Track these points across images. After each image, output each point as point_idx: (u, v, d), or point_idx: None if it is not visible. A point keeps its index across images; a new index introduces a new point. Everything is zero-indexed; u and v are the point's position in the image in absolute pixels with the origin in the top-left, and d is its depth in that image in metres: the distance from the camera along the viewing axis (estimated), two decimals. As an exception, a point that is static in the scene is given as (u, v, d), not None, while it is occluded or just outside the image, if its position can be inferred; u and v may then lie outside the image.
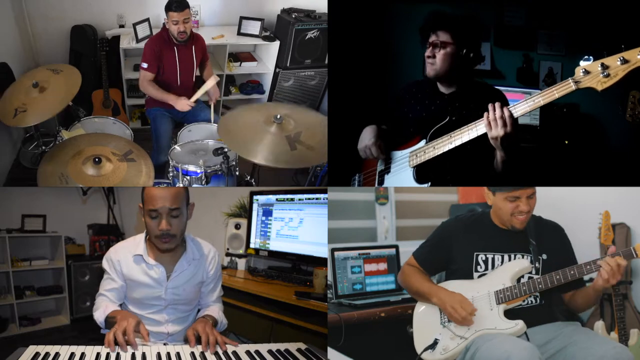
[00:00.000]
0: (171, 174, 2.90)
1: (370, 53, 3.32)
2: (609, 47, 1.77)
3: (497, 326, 1.94)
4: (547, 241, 2.08)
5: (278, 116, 2.50)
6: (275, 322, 2.62)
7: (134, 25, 3.90)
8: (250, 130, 2.51)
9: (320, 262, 2.76)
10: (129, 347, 1.67)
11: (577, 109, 3.17)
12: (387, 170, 2.29)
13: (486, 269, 2.07)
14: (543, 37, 3.24)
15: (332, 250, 2.72)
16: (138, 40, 3.88)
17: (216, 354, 1.75)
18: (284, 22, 4.24)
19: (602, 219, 2.41)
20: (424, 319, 2.11)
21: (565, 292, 2.07)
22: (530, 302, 2.03)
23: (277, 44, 4.31)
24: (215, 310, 2.07)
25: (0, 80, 3.20)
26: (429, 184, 2.16)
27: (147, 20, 3.95)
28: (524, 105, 1.88)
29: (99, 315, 1.87)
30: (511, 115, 1.88)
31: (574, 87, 1.77)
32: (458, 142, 2.03)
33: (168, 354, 1.71)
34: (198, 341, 1.80)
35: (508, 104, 2.00)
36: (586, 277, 2.01)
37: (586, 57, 1.77)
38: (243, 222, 3.37)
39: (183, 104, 3.28)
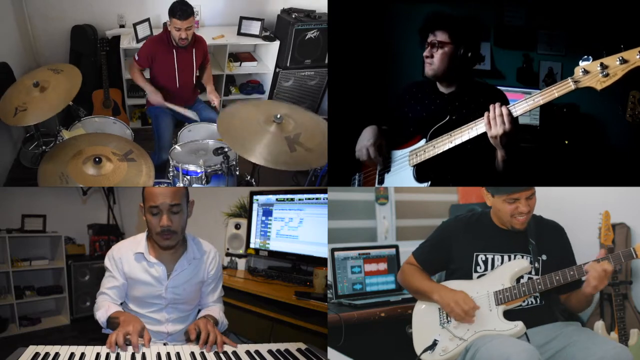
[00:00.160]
0: (171, 174, 2.90)
1: (370, 53, 3.32)
2: (609, 47, 1.77)
3: (497, 327, 1.94)
4: (547, 241, 2.08)
5: (278, 116, 2.50)
6: (275, 322, 2.62)
7: (134, 25, 3.90)
8: (250, 129, 2.50)
9: (320, 262, 2.76)
10: (129, 347, 1.67)
11: (577, 109, 3.17)
12: (387, 169, 2.29)
13: (486, 269, 2.07)
14: (543, 37, 3.24)
15: (332, 250, 2.72)
16: (138, 40, 3.88)
17: (216, 353, 1.75)
18: (284, 22, 4.24)
19: (602, 219, 2.41)
20: (423, 319, 2.11)
21: (562, 293, 2.07)
22: (530, 302, 2.02)
23: (277, 44, 4.31)
24: (216, 310, 2.07)
25: (1, 80, 3.20)
26: (429, 183, 2.16)
27: (148, 20, 3.96)
28: (524, 104, 1.88)
29: (101, 316, 1.87)
30: (510, 113, 1.89)
31: (573, 87, 1.78)
32: (458, 141, 2.03)
33: (168, 354, 1.71)
34: (198, 338, 1.80)
35: (508, 103, 2.01)
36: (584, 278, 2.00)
37: (585, 57, 1.77)
38: (243, 222, 3.37)
39: (155, 99, 3.35)
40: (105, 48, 3.87)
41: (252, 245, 3.28)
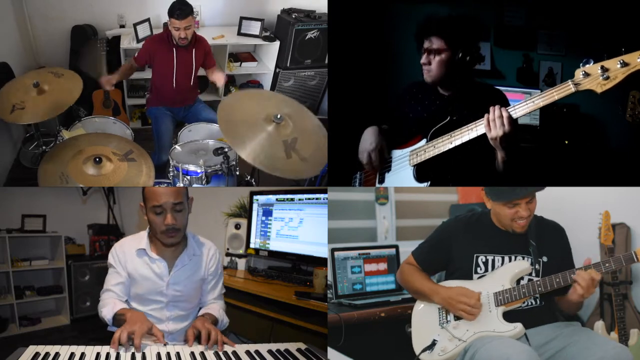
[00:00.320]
0: (171, 174, 2.90)
1: (370, 53, 3.32)
2: (609, 47, 1.78)
3: (496, 328, 1.94)
4: (547, 242, 2.07)
5: (278, 116, 2.48)
6: (275, 322, 2.62)
7: (135, 25, 3.90)
8: (249, 125, 2.44)
9: (320, 262, 2.76)
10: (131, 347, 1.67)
11: (577, 109, 3.17)
12: (387, 168, 2.29)
13: (486, 270, 2.06)
14: (543, 37, 3.24)
15: (332, 250, 2.72)
16: (138, 41, 3.89)
17: (216, 353, 1.75)
18: (284, 22, 4.25)
19: (602, 219, 2.41)
20: (423, 319, 2.11)
21: (557, 295, 2.06)
22: (530, 303, 2.02)
23: (277, 44, 4.31)
24: (216, 308, 2.08)
25: (1, 80, 3.20)
26: (429, 183, 2.16)
27: (148, 20, 3.96)
28: (524, 106, 1.89)
29: (107, 313, 1.87)
30: (510, 116, 1.89)
31: (573, 90, 1.78)
32: (458, 142, 2.04)
33: (168, 354, 1.71)
34: (198, 340, 1.81)
35: (508, 103, 2.01)
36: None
37: (586, 59, 1.78)
38: (243, 222, 3.37)
39: (105, 82, 3.38)
40: (106, 48, 3.87)
41: (252, 245, 3.28)
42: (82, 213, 4.54)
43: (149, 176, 2.38)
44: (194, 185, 2.81)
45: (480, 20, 2.26)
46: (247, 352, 1.77)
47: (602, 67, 1.74)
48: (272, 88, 4.47)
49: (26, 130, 3.80)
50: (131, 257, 1.99)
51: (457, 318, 2.02)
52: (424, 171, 2.17)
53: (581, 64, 1.78)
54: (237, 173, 2.98)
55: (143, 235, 2.03)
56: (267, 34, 4.33)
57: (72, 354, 1.61)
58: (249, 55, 4.58)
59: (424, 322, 2.09)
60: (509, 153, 1.97)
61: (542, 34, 3.24)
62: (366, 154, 2.26)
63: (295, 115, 2.57)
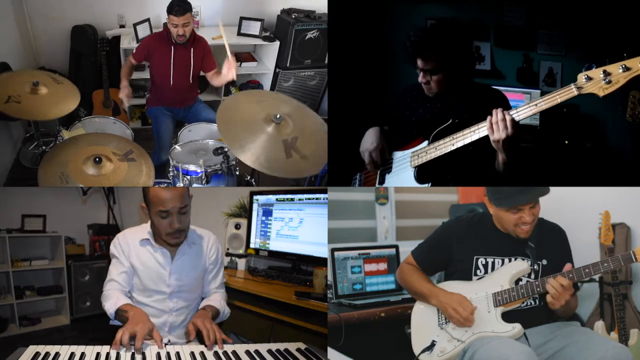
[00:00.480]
0: (171, 174, 2.90)
1: (370, 53, 3.32)
2: (609, 48, 1.79)
3: (495, 329, 1.94)
4: (548, 245, 2.06)
5: (278, 116, 2.48)
6: (275, 322, 2.62)
7: (135, 25, 3.90)
8: (249, 127, 2.45)
9: (320, 262, 2.76)
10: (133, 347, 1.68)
11: (577, 109, 3.17)
12: (388, 169, 2.29)
13: (485, 272, 2.06)
14: (543, 37, 3.24)
15: (332, 250, 2.72)
16: (138, 41, 3.89)
17: (216, 353, 1.75)
18: (283, 22, 4.25)
19: (602, 219, 2.41)
20: (422, 320, 2.11)
21: None
22: (529, 303, 2.02)
23: (277, 44, 4.31)
24: (217, 299, 2.10)
25: (1, 80, 3.20)
26: (430, 184, 2.16)
27: (148, 20, 3.96)
28: (526, 109, 1.90)
29: (110, 307, 1.89)
30: (513, 119, 1.90)
31: (576, 93, 1.81)
32: (460, 144, 2.05)
33: (168, 354, 1.71)
34: (198, 335, 1.82)
35: (509, 104, 2.01)
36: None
37: (588, 64, 1.80)
38: (243, 222, 3.37)
39: (122, 95, 3.31)
40: (106, 48, 3.87)
41: (252, 245, 3.28)
42: (82, 213, 4.54)
43: (149, 176, 2.38)
44: (194, 185, 2.81)
45: (470, 21, 2.26)
46: (247, 352, 1.77)
47: (604, 71, 1.76)
48: (272, 88, 4.47)
49: (26, 130, 3.80)
50: (135, 247, 2.03)
51: (455, 319, 2.02)
52: (425, 172, 2.17)
53: (583, 69, 1.80)
54: (237, 173, 2.98)
55: (145, 227, 2.08)
56: (267, 34, 4.33)
57: (72, 354, 1.61)
58: (248, 56, 4.58)
59: (423, 323, 2.09)
60: (509, 155, 1.98)
61: (542, 34, 3.24)
62: (367, 154, 2.27)
63: (295, 114, 2.57)
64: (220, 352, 1.77)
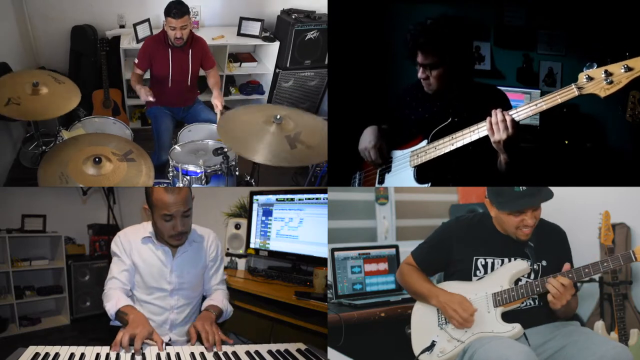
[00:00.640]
0: (171, 174, 2.90)
1: (370, 53, 3.32)
2: (610, 48, 1.78)
3: (495, 329, 1.94)
4: (548, 246, 2.06)
5: (278, 116, 2.50)
6: (275, 322, 2.62)
7: (134, 25, 3.90)
8: (250, 130, 2.51)
9: (320, 262, 2.76)
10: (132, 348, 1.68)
11: (577, 109, 3.17)
12: (387, 169, 2.29)
13: (485, 273, 2.06)
14: (543, 37, 3.23)
15: (332, 250, 2.72)
16: (138, 41, 3.88)
17: (216, 354, 1.75)
18: (283, 22, 4.24)
19: (602, 219, 2.41)
20: (422, 320, 2.11)
21: None
22: (528, 304, 2.02)
23: (277, 44, 4.31)
24: (220, 298, 2.12)
25: (0, 81, 3.20)
26: (429, 184, 2.16)
27: (148, 20, 3.96)
28: (527, 109, 1.89)
29: (111, 307, 1.89)
30: (513, 119, 1.89)
31: (577, 93, 1.79)
32: (459, 144, 2.04)
33: (168, 354, 1.71)
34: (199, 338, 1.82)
35: (510, 103, 2.01)
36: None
37: (589, 63, 1.77)
38: (243, 222, 3.37)
39: (144, 95, 3.30)
40: (105, 48, 3.87)
41: (252, 245, 3.28)
42: (82, 213, 4.54)
43: (148, 176, 2.38)
44: (194, 185, 2.82)
45: (470, 20, 2.25)
46: (247, 353, 1.78)
47: (605, 71, 1.73)
48: (272, 89, 4.47)
49: (26, 131, 3.80)
50: (136, 244, 2.05)
51: (455, 319, 2.02)
52: (425, 172, 2.17)
53: (585, 68, 1.77)
54: (237, 173, 2.99)
55: (146, 225, 2.09)
56: (267, 34, 4.33)
57: (72, 354, 1.62)
58: (248, 56, 4.58)
59: (423, 323, 2.09)
60: (511, 155, 1.97)
61: (542, 34, 3.24)
62: (366, 152, 2.27)
63: (293, 115, 2.60)
64: (220, 352, 1.76)
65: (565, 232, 2.14)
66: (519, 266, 2.02)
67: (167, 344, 1.80)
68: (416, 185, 2.18)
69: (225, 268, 3.31)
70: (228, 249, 3.38)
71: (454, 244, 2.12)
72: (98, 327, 3.97)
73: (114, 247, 2.07)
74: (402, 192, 3.32)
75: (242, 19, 4.28)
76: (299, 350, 1.84)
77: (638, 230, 2.56)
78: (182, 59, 3.38)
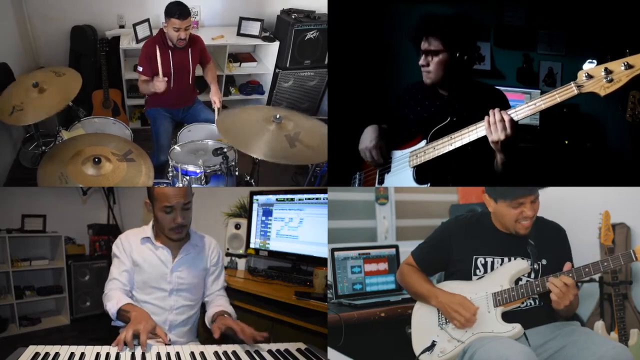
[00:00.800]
0: (171, 174, 2.90)
1: (370, 53, 3.32)
2: (610, 48, 1.76)
3: (495, 329, 1.94)
4: (547, 244, 2.06)
5: (277, 116, 2.50)
6: (275, 322, 2.61)
7: (134, 25, 3.90)
8: (250, 127, 2.50)
9: (320, 262, 2.76)
10: (131, 346, 1.67)
11: (577, 109, 3.17)
12: (387, 169, 2.29)
13: (485, 272, 2.06)
14: (543, 37, 3.24)
15: (332, 250, 2.72)
16: (138, 41, 3.88)
17: (216, 353, 1.75)
18: (283, 22, 4.24)
19: (602, 219, 2.41)
20: (422, 320, 2.11)
21: None
22: (529, 304, 2.02)
23: (276, 44, 4.31)
24: (226, 303, 2.14)
25: (0, 81, 3.20)
26: (429, 184, 2.16)
27: (147, 20, 3.96)
28: (525, 109, 1.87)
29: (112, 307, 1.89)
30: (511, 119, 1.88)
31: (576, 92, 1.75)
32: (458, 144, 2.03)
33: (168, 354, 1.71)
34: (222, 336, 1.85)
35: (509, 103, 2.00)
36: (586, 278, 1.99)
37: (590, 60, 1.73)
38: (243, 222, 3.37)
39: (158, 85, 3.24)
40: (105, 48, 3.87)
41: (252, 245, 3.28)
42: (82, 213, 4.54)
43: (148, 176, 2.38)
44: (194, 186, 2.81)
45: (476, 20, 2.26)
46: (247, 352, 1.77)
47: (605, 69, 1.70)
48: (272, 88, 4.47)
49: (26, 131, 3.80)
50: (136, 245, 2.08)
51: (455, 319, 2.02)
52: (424, 172, 2.17)
53: (584, 65, 1.74)
54: (237, 173, 2.98)
55: (147, 227, 2.12)
56: (267, 34, 4.33)
57: (72, 354, 1.61)
58: (248, 56, 4.58)
59: (424, 323, 2.09)
60: (508, 155, 1.97)
61: (542, 34, 3.24)
62: (367, 152, 2.27)
63: (292, 117, 2.61)
64: (220, 352, 1.77)
65: (565, 230, 2.14)
66: (519, 266, 2.02)
67: (166, 344, 1.80)
68: (416, 185, 2.18)
69: (225, 268, 3.31)
70: (228, 249, 3.38)
71: (454, 244, 2.12)
72: (98, 327, 3.97)
73: (114, 249, 2.09)
74: (402, 192, 3.32)
75: (241, 18, 4.28)
76: (299, 350, 1.84)
77: (638, 230, 2.56)
78: (183, 59, 3.38)
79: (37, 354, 1.59)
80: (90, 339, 3.77)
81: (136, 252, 2.07)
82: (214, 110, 3.40)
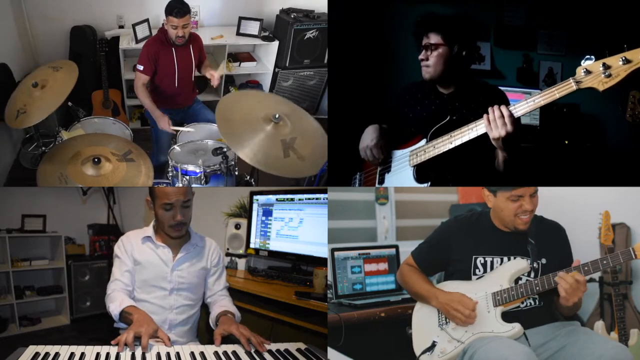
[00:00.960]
0: (170, 174, 2.90)
1: (370, 53, 3.32)
2: (610, 46, 1.76)
3: (495, 329, 1.94)
4: (547, 243, 2.06)
5: (277, 115, 2.48)
6: (275, 322, 2.61)
7: (134, 25, 3.90)
8: (247, 124, 2.45)
9: (320, 262, 2.76)
10: (129, 346, 1.67)
11: (577, 109, 3.17)
12: (387, 168, 2.29)
13: (484, 271, 2.06)
14: (543, 37, 3.24)
15: (332, 250, 2.72)
16: (137, 41, 3.88)
17: (216, 353, 1.75)
18: (283, 22, 4.24)
19: (602, 219, 2.41)
20: (422, 320, 2.11)
21: (557, 296, 2.05)
22: (529, 304, 2.02)
23: (276, 44, 4.31)
24: (229, 304, 2.14)
25: (0, 81, 3.20)
26: (429, 183, 2.16)
27: (147, 20, 3.95)
28: (525, 105, 1.87)
29: (114, 309, 1.90)
30: (511, 114, 1.88)
31: (575, 87, 1.76)
32: (458, 142, 2.03)
33: (168, 354, 1.71)
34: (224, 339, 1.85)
35: (508, 102, 2.00)
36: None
37: (588, 56, 1.74)
38: (243, 222, 3.37)
39: (164, 124, 3.21)
40: (105, 49, 3.87)
41: (252, 245, 3.28)
42: (82, 213, 4.54)
43: (148, 176, 2.38)
44: (193, 185, 2.81)
45: (476, 19, 2.26)
46: (248, 353, 1.77)
47: (603, 64, 1.71)
48: (271, 88, 4.47)
49: (26, 132, 3.79)
50: (137, 244, 2.10)
51: (456, 319, 2.02)
52: (424, 172, 2.17)
53: (582, 61, 1.75)
54: (236, 173, 2.98)
55: (148, 228, 2.14)
56: (266, 34, 4.33)
57: (72, 354, 1.61)
58: (248, 55, 4.58)
59: (424, 324, 2.09)
60: (510, 153, 1.97)
61: (542, 34, 3.24)
62: (368, 151, 2.26)
63: (293, 116, 2.57)
64: (220, 352, 1.77)
65: (565, 229, 2.14)
66: (519, 265, 2.01)
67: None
68: (415, 184, 2.18)
69: (225, 268, 3.31)
70: (228, 249, 3.38)
71: (453, 243, 2.12)
72: (98, 327, 3.97)
73: (116, 249, 2.10)
74: (402, 192, 3.32)
75: (241, 18, 4.28)
76: (299, 350, 1.84)
77: (638, 230, 2.56)
78: (185, 57, 3.38)
79: (37, 354, 1.59)
80: (90, 339, 3.77)
81: (137, 251, 2.08)
82: (212, 85, 3.44)
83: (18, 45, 3.81)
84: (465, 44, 2.11)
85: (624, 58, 1.68)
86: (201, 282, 2.17)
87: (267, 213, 3.22)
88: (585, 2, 3.03)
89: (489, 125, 1.90)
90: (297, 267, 3.04)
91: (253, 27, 4.28)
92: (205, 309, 2.22)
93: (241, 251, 3.33)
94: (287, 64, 4.30)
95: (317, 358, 1.80)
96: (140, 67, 3.30)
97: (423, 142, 2.15)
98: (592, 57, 1.74)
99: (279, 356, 1.77)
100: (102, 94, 3.96)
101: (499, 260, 2.05)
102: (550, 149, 3.15)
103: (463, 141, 2.02)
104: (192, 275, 2.12)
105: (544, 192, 2.05)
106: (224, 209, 3.56)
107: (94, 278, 4.29)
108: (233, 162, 2.88)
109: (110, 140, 2.57)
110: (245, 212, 3.45)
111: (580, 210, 2.58)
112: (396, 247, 2.89)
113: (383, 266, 2.82)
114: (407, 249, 2.37)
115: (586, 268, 1.87)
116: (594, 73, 1.72)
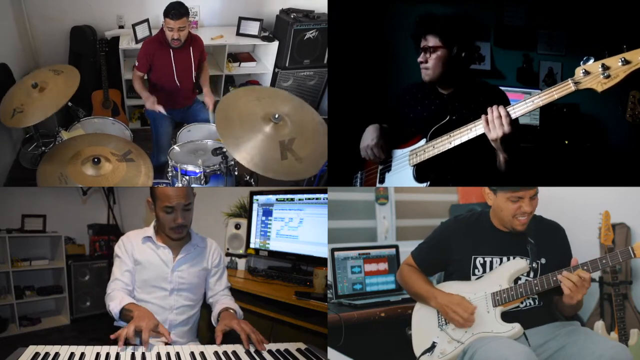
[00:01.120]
0: (170, 174, 2.90)
1: (370, 53, 3.32)
2: (610, 46, 1.76)
3: (494, 329, 1.94)
4: (547, 243, 2.06)
5: (277, 116, 2.47)
6: (275, 322, 2.61)
7: (133, 26, 3.90)
8: (247, 123, 2.43)
9: (320, 262, 2.76)
10: (131, 346, 1.68)
11: (577, 109, 3.17)
12: (388, 168, 2.29)
13: (484, 272, 2.06)
14: (543, 37, 3.24)
15: (332, 250, 2.72)
16: (137, 41, 3.88)
17: (216, 353, 1.75)
18: (282, 22, 4.24)
19: (602, 219, 2.41)
20: (422, 321, 2.11)
21: (557, 295, 2.05)
22: (528, 304, 2.02)
23: (276, 44, 4.31)
24: (231, 302, 2.14)
25: (0, 81, 3.20)
26: (429, 183, 2.16)
27: (147, 21, 3.95)
28: (523, 106, 1.87)
29: (114, 307, 1.90)
30: (508, 115, 1.88)
31: (573, 88, 1.76)
32: (457, 142, 2.03)
33: (168, 354, 1.71)
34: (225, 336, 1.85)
35: (509, 102, 2.00)
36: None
37: (587, 57, 1.74)
38: (243, 222, 3.37)
39: (150, 104, 3.32)
40: (105, 49, 3.87)
41: (252, 245, 3.28)
42: (82, 213, 4.54)
43: (147, 176, 2.38)
44: (193, 186, 2.81)
45: (476, 19, 2.26)
46: (247, 352, 1.77)
47: (602, 65, 1.70)
48: (272, 88, 4.47)
49: (25, 132, 3.79)
50: (138, 245, 2.10)
51: (455, 320, 2.02)
52: (424, 171, 2.17)
53: (582, 62, 1.75)
54: (236, 173, 2.98)
55: (148, 228, 2.15)
56: (266, 34, 4.33)
57: (72, 354, 1.61)
58: (247, 56, 4.58)
59: (424, 324, 2.09)
60: (510, 153, 1.97)
61: (542, 34, 3.24)
62: (369, 150, 2.27)
63: (295, 114, 2.53)
64: (220, 352, 1.76)
65: (564, 229, 2.14)
66: (518, 265, 2.01)
67: (167, 344, 1.80)
68: (415, 184, 2.18)
69: (226, 268, 3.31)
70: (228, 249, 3.38)
71: (453, 243, 2.12)
72: (98, 327, 3.97)
73: (116, 249, 2.11)
74: (402, 192, 3.32)
75: (241, 18, 4.28)
76: (299, 350, 1.84)
77: (638, 230, 2.56)
78: (184, 58, 3.39)
79: (37, 354, 1.59)
80: (90, 339, 3.77)
81: (138, 251, 2.08)
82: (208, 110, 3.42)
83: (18, 45, 3.81)
84: (464, 45, 2.11)
85: (623, 59, 1.68)
86: (201, 283, 2.18)
87: (267, 213, 3.22)
88: (585, 2, 3.03)
89: (487, 126, 1.90)
90: (297, 267, 3.04)
91: (253, 27, 4.28)
92: (205, 309, 2.22)
93: (241, 251, 3.33)
94: (287, 64, 4.30)
95: (317, 358, 1.80)
96: (136, 63, 3.39)
97: (423, 142, 2.15)
98: (592, 58, 1.74)
99: (279, 356, 1.77)
100: (102, 94, 3.96)
101: (498, 260, 2.05)
102: (550, 149, 3.15)
103: (462, 141, 2.02)
104: (192, 275, 2.12)
105: (544, 192, 2.05)
106: (224, 209, 3.56)
107: (94, 278, 4.29)
108: (233, 162, 2.88)
109: (110, 140, 2.57)
110: (245, 212, 3.45)
111: (580, 210, 2.58)
112: (396, 247, 2.89)
113: (383, 266, 2.82)
114: (407, 249, 2.37)
115: (585, 267, 1.87)
116: (593, 74, 1.72)
